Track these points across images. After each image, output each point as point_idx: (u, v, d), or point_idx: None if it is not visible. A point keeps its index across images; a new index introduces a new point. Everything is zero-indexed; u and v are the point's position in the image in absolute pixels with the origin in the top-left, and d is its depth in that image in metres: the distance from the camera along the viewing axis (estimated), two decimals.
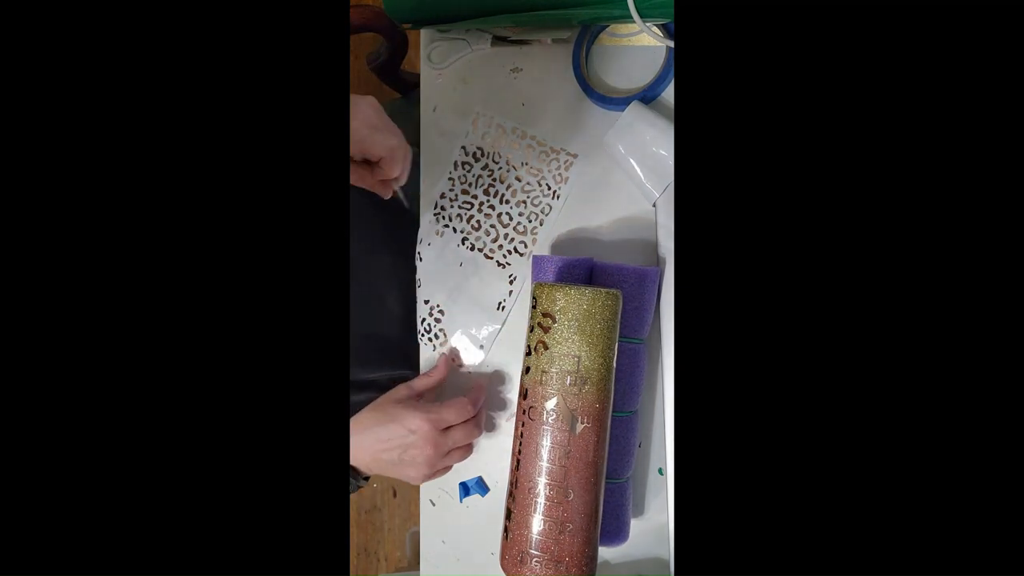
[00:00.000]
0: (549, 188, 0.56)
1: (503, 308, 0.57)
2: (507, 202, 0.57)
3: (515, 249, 0.57)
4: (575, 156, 0.56)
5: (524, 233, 0.57)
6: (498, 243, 0.57)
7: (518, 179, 0.57)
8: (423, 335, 0.60)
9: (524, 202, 0.57)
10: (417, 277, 0.60)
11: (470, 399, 0.53)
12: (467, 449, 0.54)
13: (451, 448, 0.51)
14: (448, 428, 0.51)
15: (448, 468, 0.54)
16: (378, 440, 0.51)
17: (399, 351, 0.63)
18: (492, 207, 0.58)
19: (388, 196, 0.49)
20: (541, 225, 0.56)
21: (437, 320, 0.59)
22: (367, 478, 0.56)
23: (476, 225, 0.58)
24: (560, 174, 0.56)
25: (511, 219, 0.57)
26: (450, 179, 0.60)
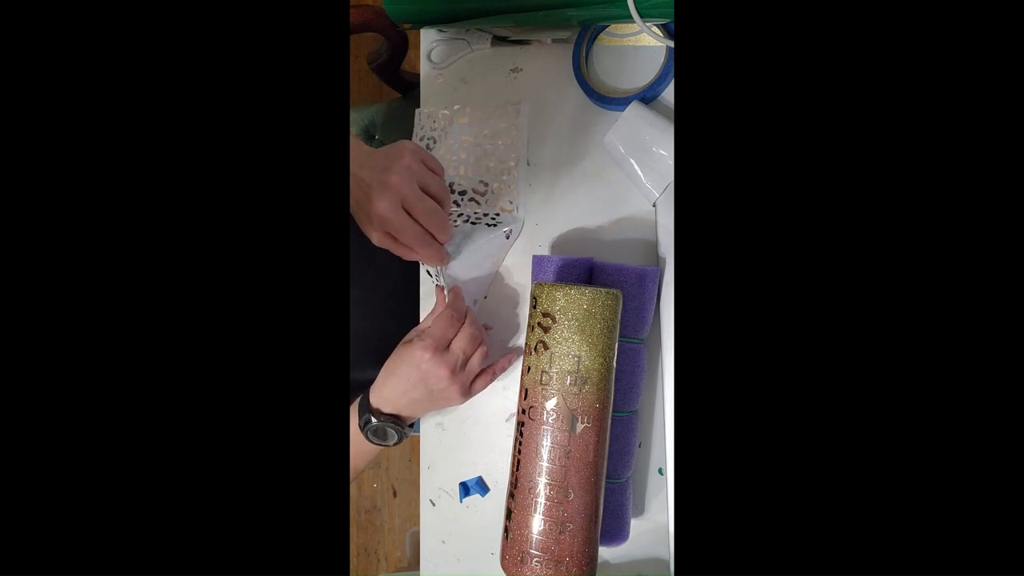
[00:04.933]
0: (509, 138, 0.57)
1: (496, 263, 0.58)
2: (474, 171, 0.58)
3: (502, 208, 0.57)
4: (519, 103, 0.57)
5: (506, 192, 0.57)
6: (483, 210, 0.58)
7: (477, 146, 0.58)
8: None
9: (491, 166, 0.58)
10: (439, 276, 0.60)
11: (450, 307, 0.51)
12: (482, 353, 0.51)
13: (463, 358, 0.50)
14: (449, 343, 0.50)
15: (486, 376, 0.53)
16: (401, 386, 0.51)
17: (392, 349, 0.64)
18: (464, 180, 0.58)
19: (431, 264, 0.49)
20: (516, 174, 0.57)
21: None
22: (412, 425, 0.55)
23: (456, 203, 0.58)
24: (512, 122, 0.57)
25: (487, 185, 0.58)
26: None
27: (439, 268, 0.56)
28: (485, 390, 0.55)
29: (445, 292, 0.54)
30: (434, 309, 0.55)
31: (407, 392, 0.50)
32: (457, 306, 0.51)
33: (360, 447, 0.54)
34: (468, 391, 0.52)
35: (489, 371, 0.53)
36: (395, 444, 0.53)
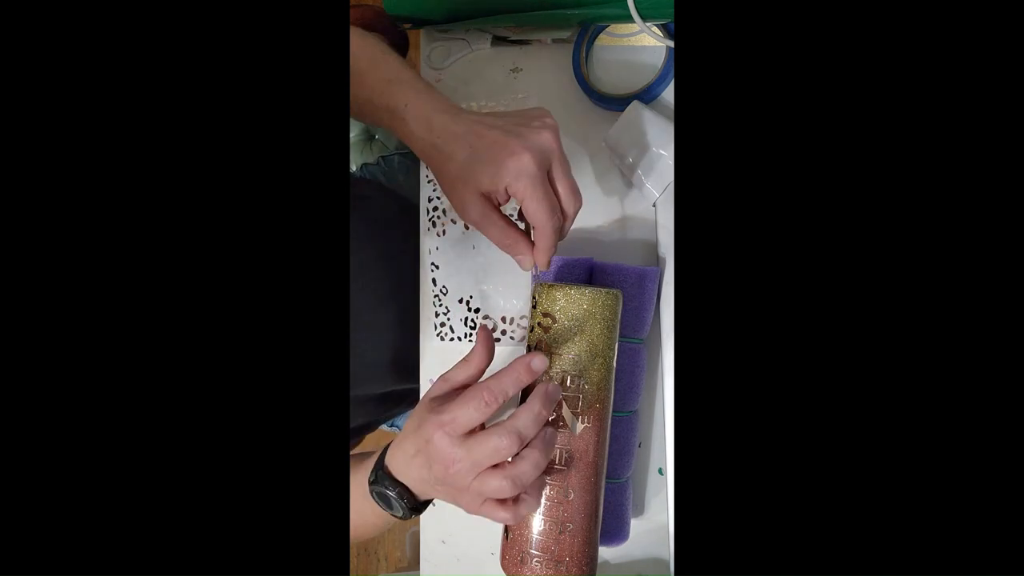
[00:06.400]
0: None
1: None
2: None
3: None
4: (525, 96, 0.57)
5: None
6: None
7: None
8: (471, 338, 0.58)
9: None
10: (441, 285, 0.60)
11: (487, 387, 0.36)
12: (508, 480, 0.35)
13: (482, 464, 0.36)
14: (473, 433, 0.36)
15: (502, 510, 0.37)
16: (408, 454, 0.39)
17: (397, 364, 0.63)
18: None
19: (526, 268, 0.41)
20: None
21: (476, 310, 0.58)
22: (426, 503, 0.43)
23: None
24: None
25: None
26: (430, 181, 0.60)
27: (473, 307, 0.55)
28: (525, 368, 0.38)
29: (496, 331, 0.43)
30: (470, 354, 0.40)
31: (415, 465, 0.39)
32: (495, 388, 0.36)
33: (373, 505, 0.43)
34: (477, 506, 0.38)
35: (509, 507, 0.37)
36: (402, 518, 0.42)
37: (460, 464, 0.36)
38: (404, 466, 0.40)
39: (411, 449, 0.39)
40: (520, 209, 0.40)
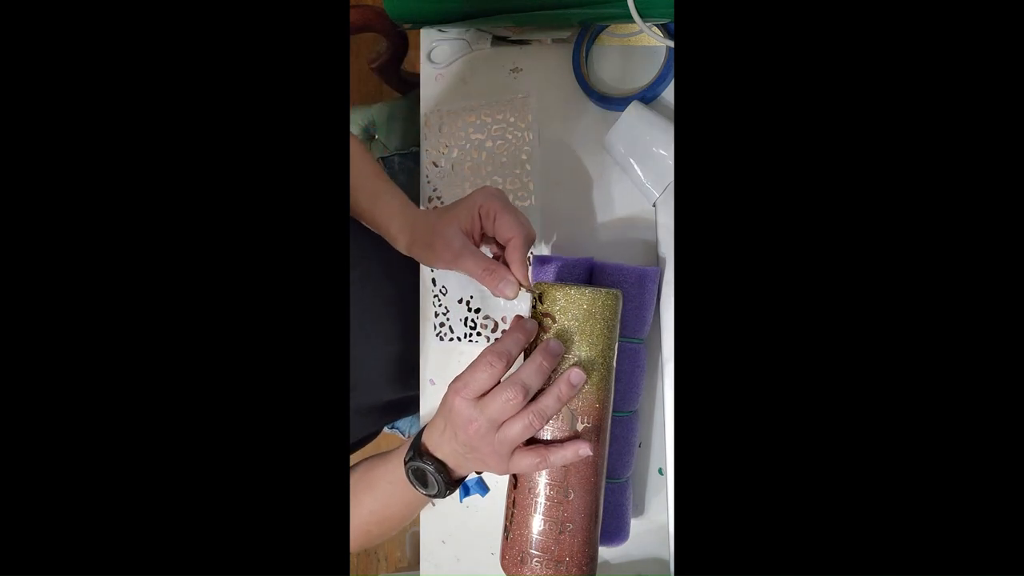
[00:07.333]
0: (519, 131, 0.57)
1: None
2: (487, 170, 0.58)
3: (517, 203, 0.57)
4: (525, 95, 0.58)
5: (520, 186, 0.57)
6: None
7: (488, 144, 0.58)
8: (471, 338, 0.58)
9: (504, 161, 0.58)
10: (441, 285, 0.60)
11: (492, 351, 0.39)
12: (526, 423, 0.39)
13: (486, 423, 0.39)
14: (484, 396, 0.39)
15: (531, 455, 0.40)
16: (439, 431, 0.43)
17: (402, 373, 0.63)
18: (481, 181, 0.58)
19: (511, 296, 0.45)
20: (529, 167, 0.57)
21: (476, 310, 0.58)
22: (461, 479, 0.46)
23: None
24: (522, 115, 0.58)
25: (501, 181, 0.58)
26: (429, 181, 0.61)
27: (474, 308, 0.57)
28: (523, 331, 0.41)
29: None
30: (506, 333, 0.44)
31: (446, 439, 0.42)
32: (498, 349, 0.39)
33: (402, 492, 0.46)
34: (507, 461, 0.40)
35: (540, 451, 0.40)
36: (437, 495, 0.45)
37: (478, 423, 0.39)
38: (437, 442, 0.43)
39: (440, 424, 0.42)
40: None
